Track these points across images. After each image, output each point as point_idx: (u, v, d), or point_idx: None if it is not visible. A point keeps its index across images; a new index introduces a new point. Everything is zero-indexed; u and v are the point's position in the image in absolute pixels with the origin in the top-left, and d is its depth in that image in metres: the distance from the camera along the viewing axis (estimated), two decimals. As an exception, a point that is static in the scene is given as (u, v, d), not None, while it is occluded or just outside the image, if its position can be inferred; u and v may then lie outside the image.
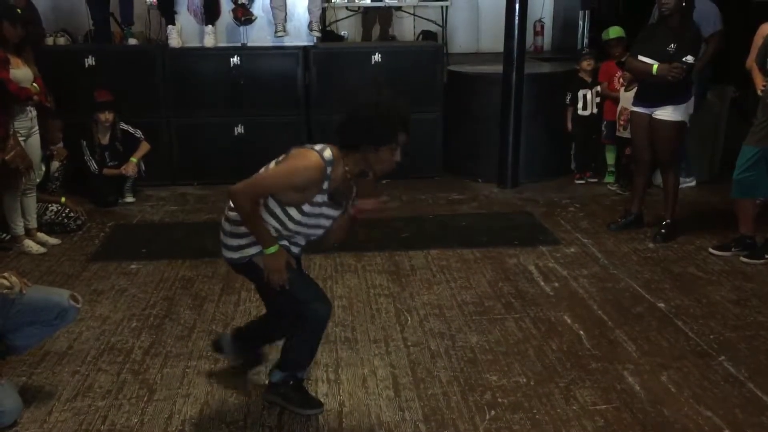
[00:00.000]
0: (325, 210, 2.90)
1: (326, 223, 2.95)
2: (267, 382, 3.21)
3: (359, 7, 8.44)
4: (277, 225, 2.88)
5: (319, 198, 2.85)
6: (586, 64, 6.57)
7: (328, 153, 2.82)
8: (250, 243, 2.89)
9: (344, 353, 3.64)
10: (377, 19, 8.76)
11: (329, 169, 2.81)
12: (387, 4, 8.28)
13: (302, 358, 3.13)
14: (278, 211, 2.86)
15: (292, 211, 2.85)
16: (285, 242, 2.92)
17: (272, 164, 2.95)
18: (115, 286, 4.47)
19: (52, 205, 5.41)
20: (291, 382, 3.13)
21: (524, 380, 3.37)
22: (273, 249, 2.84)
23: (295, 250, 3.01)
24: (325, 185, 2.83)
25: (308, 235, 2.98)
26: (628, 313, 4.06)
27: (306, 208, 2.85)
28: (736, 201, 4.85)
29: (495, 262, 4.80)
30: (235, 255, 2.95)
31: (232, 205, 2.91)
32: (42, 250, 5.01)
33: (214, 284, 4.49)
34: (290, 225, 2.88)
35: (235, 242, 2.93)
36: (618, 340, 3.74)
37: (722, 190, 5.39)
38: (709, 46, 5.83)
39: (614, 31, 6.26)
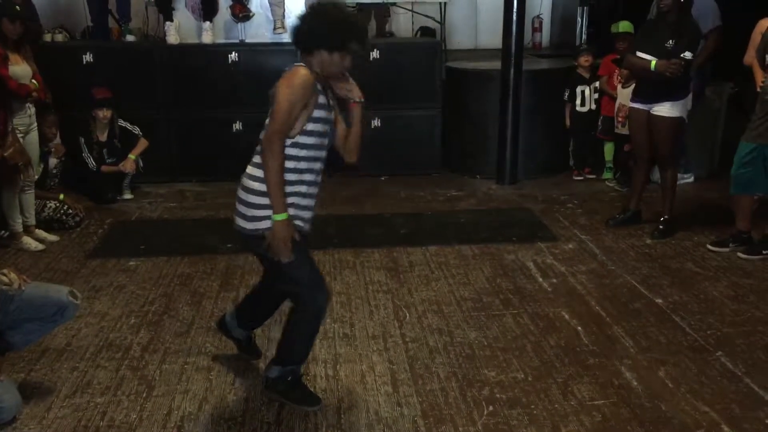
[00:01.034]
0: (324, 114, 2.89)
1: (326, 133, 2.92)
2: (264, 377, 3.22)
3: (356, 4, 8.42)
4: (291, 166, 2.84)
5: (318, 112, 2.86)
6: (584, 60, 6.57)
7: (302, 65, 2.85)
8: (266, 216, 2.84)
9: (342, 349, 3.64)
10: (373, 15, 8.74)
11: (313, 75, 2.84)
12: (385, 1, 8.26)
13: (299, 352, 3.14)
14: (289, 148, 2.83)
15: (301, 139, 2.84)
16: (294, 210, 2.87)
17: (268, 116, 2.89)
18: (114, 282, 4.47)
19: (50, 202, 5.41)
20: (289, 378, 3.14)
21: (522, 376, 3.38)
22: (283, 216, 2.80)
23: (305, 215, 2.94)
24: (318, 87, 2.86)
25: (318, 158, 2.92)
26: (625, 308, 4.07)
27: (309, 126, 2.85)
28: (733, 197, 4.85)
29: (493, 259, 4.81)
30: (249, 225, 2.88)
31: (250, 168, 2.89)
32: (40, 246, 5.01)
33: (213, 281, 4.49)
34: (303, 154, 2.86)
35: (251, 212, 2.87)
36: (616, 336, 3.75)
37: (721, 186, 5.40)
38: (708, 42, 5.83)
39: (624, 26, 6.24)
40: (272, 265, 2.95)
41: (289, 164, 2.83)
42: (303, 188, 2.90)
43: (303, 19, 2.92)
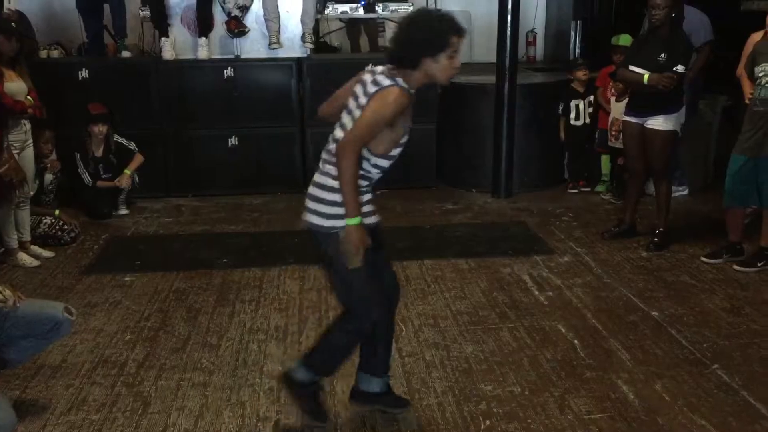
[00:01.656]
0: (406, 139, 2.89)
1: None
2: (288, 374, 3.05)
3: (348, 19, 8.46)
4: (365, 184, 2.86)
5: (404, 138, 2.87)
6: (582, 74, 6.60)
7: (401, 81, 2.80)
8: (344, 214, 2.78)
9: (339, 364, 3.63)
10: (363, 29, 8.78)
11: (410, 93, 2.82)
12: (380, 16, 8.30)
13: (332, 363, 3.05)
14: (370, 167, 2.85)
15: (381, 161, 2.85)
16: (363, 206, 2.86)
17: (348, 117, 2.84)
18: (109, 298, 4.46)
19: (45, 218, 5.40)
20: (312, 389, 3.05)
21: (519, 390, 3.37)
22: (357, 220, 2.76)
23: (368, 209, 2.91)
24: (409, 110, 2.85)
25: (390, 166, 2.92)
26: (622, 321, 4.07)
27: (394, 152, 2.86)
28: (726, 209, 4.88)
29: (489, 272, 4.81)
30: (327, 223, 2.82)
31: (329, 167, 2.83)
32: (36, 262, 5.00)
33: (209, 296, 4.48)
34: (375, 173, 2.89)
35: (331, 210, 2.81)
36: (612, 349, 3.75)
37: (715, 198, 5.42)
38: (700, 56, 5.87)
39: (624, 38, 6.27)
40: (336, 269, 2.89)
41: (362, 182, 2.84)
42: (368, 197, 2.92)
43: (401, 35, 2.83)
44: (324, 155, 2.90)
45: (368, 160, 2.84)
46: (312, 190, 2.88)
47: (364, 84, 2.85)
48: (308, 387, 3.04)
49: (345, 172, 2.73)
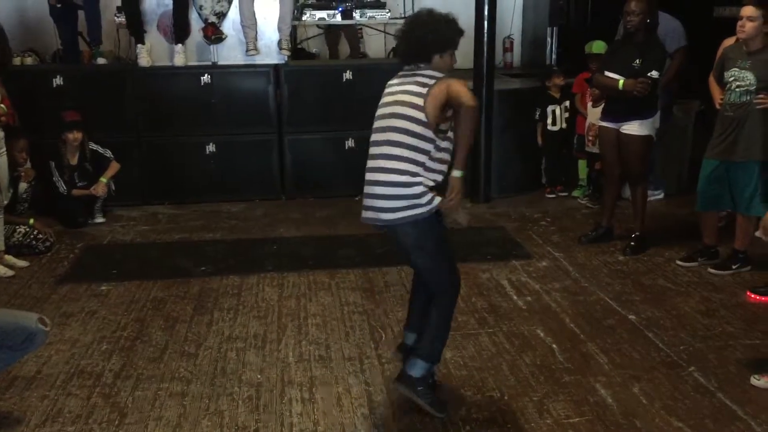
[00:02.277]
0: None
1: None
2: (406, 374, 3.17)
3: (329, 25, 8.46)
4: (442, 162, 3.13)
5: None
6: (557, 80, 6.65)
7: (437, 73, 3.11)
8: (414, 205, 3.04)
9: (318, 371, 3.62)
10: (342, 36, 8.78)
11: None
12: (357, 22, 8.31)
13: (440, 345, 3.22)
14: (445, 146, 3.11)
15: (443, 142, 3.11)
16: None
17: (411, 99, 3.06)
18: (85, 308, 4.41)
19: (20, 227, 5.32)
20: (430, 380, 3.23)
21: (498, 395, 3.38)
22: (463, 173, 3.09)
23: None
24: None
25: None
26: (599, 325, 4.10)
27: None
28: (700, 213, 4.93)
29: (468, 277, 4.82)
30: (407, 213, 3.05)
31: (398, 165, 3.04)
32: (10, 273, 4.92)
33: (186, 305, 4.45)
34: (444, 145, 3.12)
35: (406, 203, 3.04)
36: (590, 353, 3.78)
37: (690, 202, 5.46)
38: (674, 62, 5.94)
39: (597, 46, 6.35)
40: (423, 252, 3.15)
41: (440, 165, 3.12)
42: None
43: (408, 34, 3.17)
44: (382, 161, 3.10)
45: (444, 141, 3.09)
46: (382, 190, 3.09)
47: (412, 88, 3.08)
48: (427, 379, 3.21)
49: (472, 129, 3.03)
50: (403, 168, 3.04)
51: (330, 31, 8.69)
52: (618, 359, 3.70)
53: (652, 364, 3.66)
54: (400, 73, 3.21)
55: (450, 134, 3.10)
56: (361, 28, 9.04)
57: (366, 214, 3.20)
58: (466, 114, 3.00)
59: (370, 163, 3.17)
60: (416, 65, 3.14)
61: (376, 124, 3.17)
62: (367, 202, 3.19)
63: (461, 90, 3.02)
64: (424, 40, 3.11)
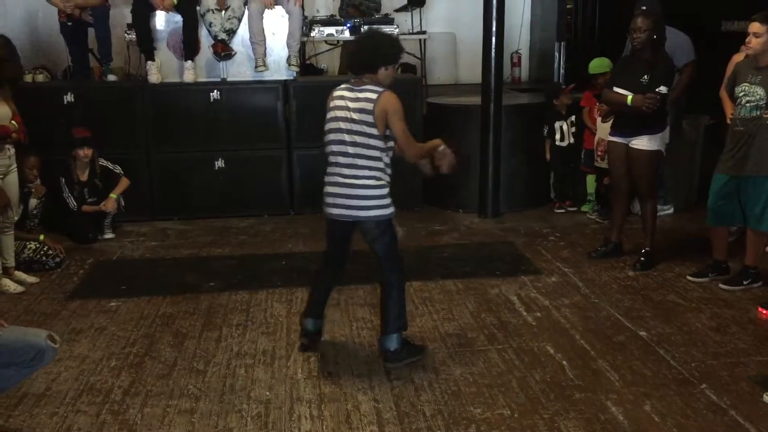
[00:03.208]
0: None
1: None
2: (385, 352, 3.75)
3: (338, 41, 8.52)
4: (385, 170, 3.69)
5: None
6: (566, 99, 6.66)
7: (382, 88, 3.61)
8: (379, 205, 3.64)
9: (327, 388, 3.61)
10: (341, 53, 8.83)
11: None
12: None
13: (403, 313, 3.79)
14: (384, 157, 3.66)
15: (390, 142, 3.67)
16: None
17: (356, 136, 3.60)
18: (95, 324, 4.41)
19: (30, 243, 5.35)
20: (403, 344, 3.77)
21: (508, 412, 3.36)
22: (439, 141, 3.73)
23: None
24: None
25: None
26: (610, 342, 4.08)
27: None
28: (710, 228, 4.91)
29: (477, 293, 4.81)
30: (378, 213, 3.63)
31: (368, 172, 3.61)
32: (20, 289, 4.94)
33: (195, 320, 4.45)
34: (390, 144, 3.69)
35: (379, 203, 3.62)
36: (601, 370, 3.75)
37: (700, 217, 5.45)
38: (683, 77, 5.94)
39: (594, 66, 6.33)
40: (382, 243, 3.73)
41: (386, 177, 3.68)
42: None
43: (360, 46, 3.76)
44: (350, 170, 3.62)
45: (384, 150, 3.63)
46: (357, 191, 3.60)
47: (349, 105, 3.60)
48: (402, 343, 3.78)
49: (417, 151, 3.73)
50: (369, 174, 3.60)
51: (344, 46, 8.73)
52: (629, 376, 3.67)
53: (663, 381, 3.63)
54: (346, 86, 3.67)
55: (390, 133, 3.63)
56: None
57: (334, 210, 3.70)
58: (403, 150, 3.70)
59: (336, 170, 3.66)
60: (362, 76, 3.62)
61: (336, 136, 3.63)
62: (336, 200, 3.67)
63: (396, 119, 3.55)
64: (374, 53, 3.61)
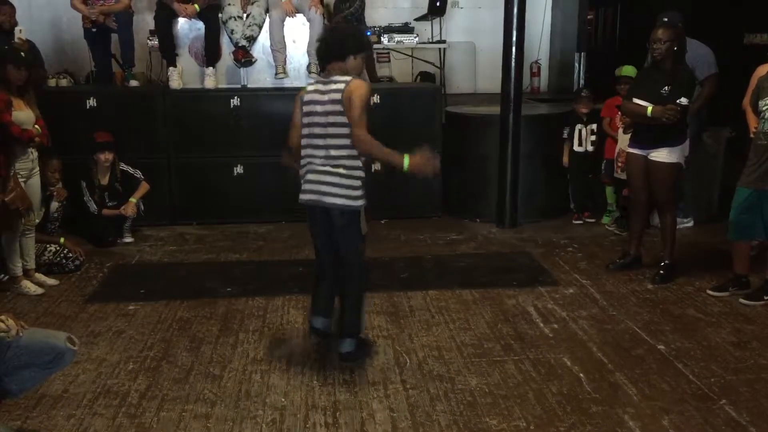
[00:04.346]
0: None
1: None
2: (343, 353, 3.88)
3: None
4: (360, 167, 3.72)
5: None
6: (584, 108, 6.62)
7: (351, 77, 3.69)
8: (351, 196, 3.66)
9: (342, 396, 3.61)
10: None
11: None
12: (386, 47, 8.39)
13: (361, 317, 3.88)
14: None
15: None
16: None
17: (331, 128, 3.67)
18: (113, 327, 4.44)
19: (50, 246, 5.40)
20: (359, 346, 3.89)
21: (524, 424, 3.33)
22: (407, 158, 3.63)
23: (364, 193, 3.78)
24: None
25: None
26: (628, 355, 4.04)
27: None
28: (732, 242, 4.86)
29: (494, 303, 4.79)
30: (351, 203, 3.66)
31: (342, 161, 3.63)
32: (40, 291, 4.99)
33: (212, 325, 4.47)
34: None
35: (352, 193, 3.66)
36: (618, 383, 3.72)
37: (720, 230, 5.40)
38: (705, 89, 5.90)
39: (627, 70, 6.33)
40: (347, 236, 3.75)
41: (360, 173, 3.71)
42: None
43: (330, 35, 3.86)
44: (323, 160, 3.69)
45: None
46: (327, 178, 3.66)
47: (322, 98, 3.68)
48: (358, 347, 3.91)
49: (373, 148, 3.63)
50: (340, 163, 3.65)
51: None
52: (647, 390, 3.64)
53: (682, 396, 3.59)
54: (317, 81, 3.79)
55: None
56: (388, 53, 9.13)
57: (308, 196, 3.76)
58: (356, 144, 3.63)
59: (310, 161, 3.73)
60: (331, 68, 3.71)
61: (310, 129, 3.71)
62: (309, 186, 3.74)
63: (356, 109, 3.57)
64: (344, 41, 3.72)
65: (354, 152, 3.66)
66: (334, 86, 3.65)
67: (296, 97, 3.85)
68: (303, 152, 3.79)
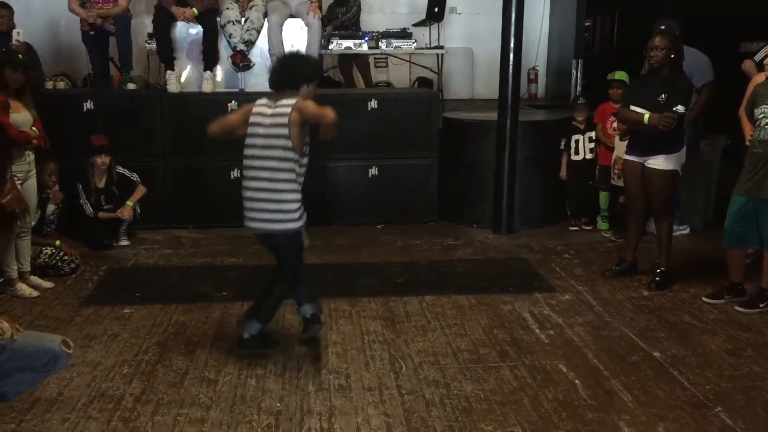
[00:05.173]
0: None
1: None
2: (244, 334, 4.00)
3: (356, 55, 8.57)
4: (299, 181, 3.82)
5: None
6: (580, 116, 6.64)
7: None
8: (291, 219, 3.76)
9: (338, 401, 3.60)
10: (355, 66, 8.88)
11: None
12: (383, 52, 8.40)
13: (273, 312, 4.09)
14: (298, 168, 3.80)
15: (304, 159, 3.85)
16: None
17: (271, 140, 3.76)
18: (108, 331, 4.43)
19: (46, 248, 5.39)
20: (259, 335, 4.01)
21: (520, 431, 3.33)
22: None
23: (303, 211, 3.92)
24: None
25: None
26: (623, 362, 4.04)
27: (306, 150, 3.87)
28: (727, 250, 4.87)
29: (490, 309, 4.79)
30: (286, 226, 3.76)
31: (279, 185, 3.73)
32: (35, 293, 4.98)
33: (207, 329, 4.46)
34: (303, 171, 3.86)
35: (288, 216, 3.75)
36: (614, 390, 3.72)
37: (716, 238, 5.41)
38: (702, 97, 5.92)
39: (619, 74, 6.38)
40: (285, 255, 3.91)
41: (297, 186, 3.80)
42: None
43: (284, 65, 3.95)
44: (266, 183, 3.75)
45: (298, 162, 3.77)
46: (274, 206, 3.73)
47: (265, 116, 3.77)
48: (259, 336, 4.02)
49: (331, 115, 3.70)
50: (283, 188, 3.72)
51: (343, 63, 8.82)
52: (642, 397, 3.64)
53: (677, 403, 3.59)
54: (263, 102, 3.85)
55: (307, 149, 3.82)
56: (386, 58, 9.15)
57: (252, 224, 3.84)
58: (328, 124, 3.72)
59: (254, 184, 3.79)
60: (282, 93, 3.79)
61: (255, 151, 3.77)
62: (254, 214, 3.81)
63: (316, 111, 3.68)
64: (297, 71, 3.84)
65: (291, 175, 3.75)
66: (280, 109, 3.73)
67: (245, 104, 3.94)
68: (244, 170, 3.88)
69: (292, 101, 3.72)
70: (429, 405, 3.56)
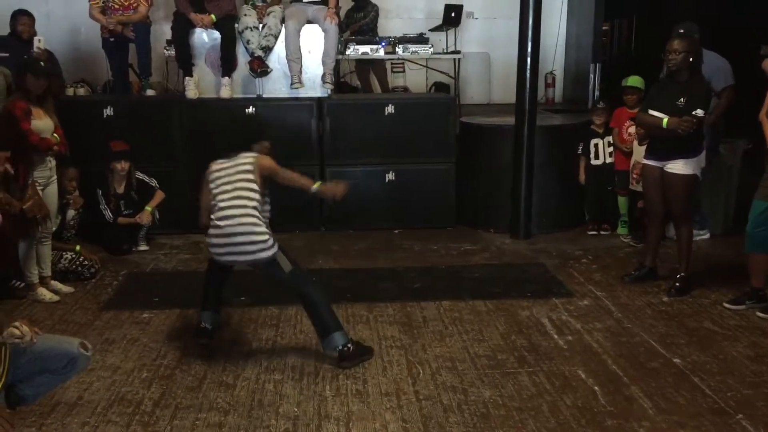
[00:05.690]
0: None
1: None
2: (337, 350, 4.01)
3: (373, 60, 8.59)
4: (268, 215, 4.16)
5: None
6: (598, 119, 6.61)
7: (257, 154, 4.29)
8: (270, 247, 3.99)
9: (355, 406, 3.60)
10: (371, 71, 8.90)
11: None
12: (400, 57, 8.42)
13: (330, 316, 4.07)
14: (265, 205, 4.18)
15: (267, 198, 4.23)
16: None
17: (244, 191, 4.08)
18: (127, 335, 4.46)
19: (66, 253, 5.44)
20: (350, 344, 4.02)
21: (538, 437, 3.32)
22: (318, 183, 4.41)
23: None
24: None
25: None
26: (643, 368, 4.01)
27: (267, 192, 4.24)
28: (748, 255, 4.82)
29: (508, 315, 4.77)
30: (270, 252, 3.98)
31: (254, 220, 3.98)
32: (55, 298, 5.02)
33: (225, 334, 4.48)
34: (267, 200, 4.25)
35: (268, 244, 3.98)
36: (634, 397, 3.69)
37: (736, 243, 5.35)
38: (722, 101, 5.87)
39: (632, 80, 6.33)
40: (278, 274, 4.08)
41: (265, 219, 4.08)
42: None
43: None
44: (243, 220, 3.97)
45: (267, 201, 4.19)
46: (252, 237, 3.96)
47: (228, 171, 4.15)
48: (348, 342, 4.04)
49: (294, 177, 4.27)
50: (259, 225, 3.98)
51: (360, 68, 8.84)
52: (663, 404, 3.60)
53: (698, 410, 3.55)
54: (223, 160, 4.23)
55: (267, 191, 4.20)
56: (402, 63, 9.17)
57: (242, 257, 4.02)
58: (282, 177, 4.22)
59: (235, 225, 3.96)
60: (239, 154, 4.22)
61: (228, 196, 4.03)
62: (238, 248, 3.98)
63: (272, 166, 4.19)
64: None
65: (260, 209, 4.04)
66: (241, 161, 4.14)
67: (204, 175, 4.21)
68: (217, 219, 4.01)
69: (251, 155, 4.21)
70: (446, 411, 3.55)
